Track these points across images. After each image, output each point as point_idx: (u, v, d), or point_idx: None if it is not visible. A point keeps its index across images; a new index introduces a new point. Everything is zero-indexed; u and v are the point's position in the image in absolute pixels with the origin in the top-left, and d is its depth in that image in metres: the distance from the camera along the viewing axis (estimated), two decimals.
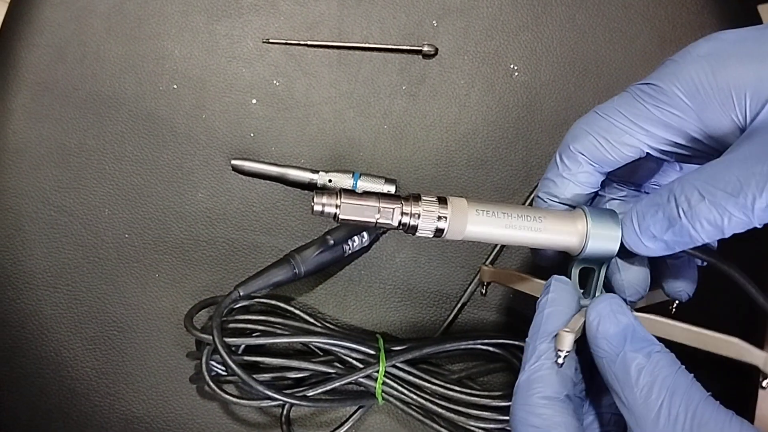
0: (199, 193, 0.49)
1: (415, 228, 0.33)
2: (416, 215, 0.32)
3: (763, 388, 0.32)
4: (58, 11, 0.50)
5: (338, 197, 0.32)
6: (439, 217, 0.33)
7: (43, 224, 0.49)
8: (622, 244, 0.34)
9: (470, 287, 0.49)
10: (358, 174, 0.48)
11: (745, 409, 0.52)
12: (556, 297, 0.35)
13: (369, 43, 0.50)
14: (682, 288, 0.38)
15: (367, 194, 0.32)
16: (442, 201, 0.33)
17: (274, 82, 0.50)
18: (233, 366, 0.42)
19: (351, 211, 0.32)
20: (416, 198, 0.33)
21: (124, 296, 0.49)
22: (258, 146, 0.50)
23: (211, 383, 0.43)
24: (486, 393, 0.44)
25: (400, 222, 0.32)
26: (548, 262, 0.40)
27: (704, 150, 0.33)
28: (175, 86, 0.50)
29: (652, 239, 0.32)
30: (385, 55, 0.50)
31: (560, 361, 0.33)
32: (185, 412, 0.48)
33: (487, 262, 0.49)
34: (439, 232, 0.33)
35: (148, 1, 0.50)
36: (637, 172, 0.39)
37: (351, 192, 0.32)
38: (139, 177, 0.49)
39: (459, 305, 0.49)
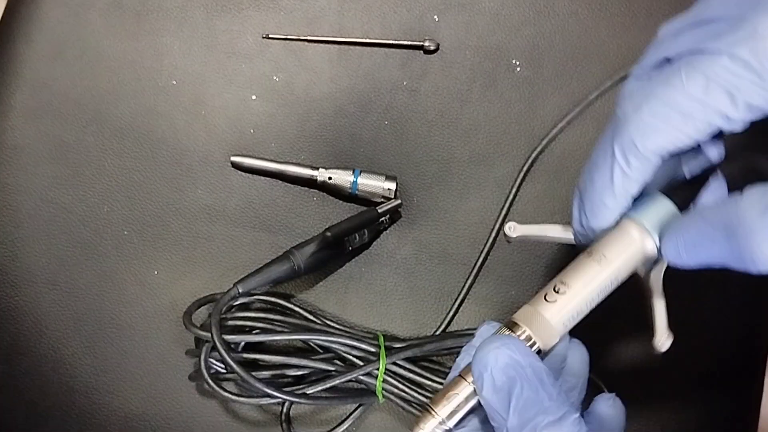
0: (199, 190, 0.49)
1: None
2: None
3: None
4: (56, 8, 0.50)
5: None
6: (528, 339, 0.31)
7: (42, 221, 0.49)
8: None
9: (468, 283, 0.48)
10: (359, 171, 0.48)
11: (747, 413, 0.51)
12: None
13: (370, 39, 0.50)
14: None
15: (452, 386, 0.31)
16: (511, 326, 0.32)
17: (274, 77, 0.50)
18: (232, 363, 0.42)
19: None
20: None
21: (123, 293, 0.48)
22: (258, 142, 0.49)
23: (210, 381, 0.43)
24: None
25: None
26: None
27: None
28: (174, 82, 0.50)
29: (696, 260, 0.30)
30: (386, 51, 0.50)
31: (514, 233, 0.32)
32: (184, 410, 0.48)
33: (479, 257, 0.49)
34: (538, 352, 0.31)
35: None
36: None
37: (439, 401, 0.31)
38: (138, 173, 0.49)
39: (459, 301, 0.48)
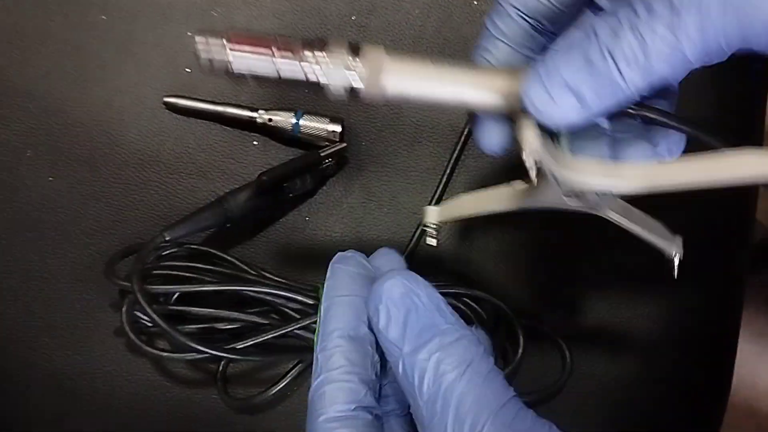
0: (130, 133, 0.45)
1: (320, 84, 0.27)
2: (321, 68, 0.27)
3: None
4: None
5: (227, 41, 0.27)
6: (350, 69, 0.27)
7: None
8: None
9: (417, 233, 0.45)
10: (301, 112, 0.44)
11: (721, 372, 0.48)
12: (337, 283, 0.31)
13: None
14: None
15: (262, 39, 0.27)
16: (355, 49, 0.27)
17: (212, 12, 0.46)
18: (153, 316, 0.38)
19: (245, 60, 0.27)
20: (322, 45, 0.27)
21: (48, 243, 0.45)
22: (194, 82, 0.46)
23: (132, 335, 0.40)
24: None
25: (305, 77, 0.27)
26: (495, 140, 0.31)
27: None
28: (103, 17, 0.46)
29: (564, 92, 0.25)
30: None
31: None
32: (113, 367, 0.45)
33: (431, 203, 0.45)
34: (350, 89, 0.27)
35: None
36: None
37: (242, 35, 0.27)
38: (64, 115, 0.45)
39: (407, 253, 0.45)
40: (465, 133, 0.45)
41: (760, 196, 0.48)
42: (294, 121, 0.44)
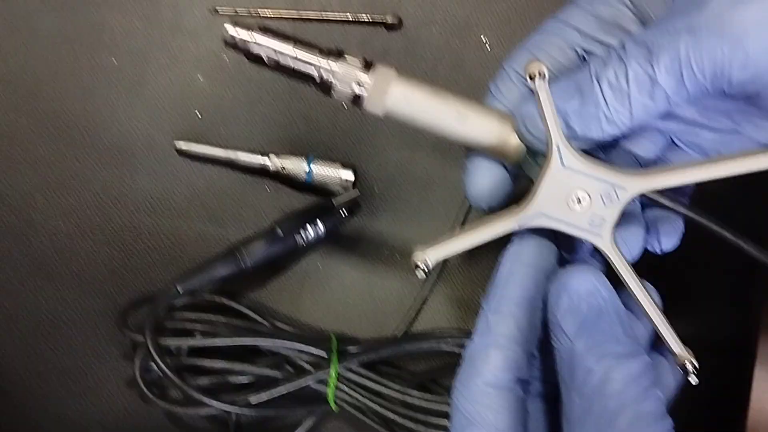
0: (141, 178, 0.45)
1: (329, 87, 0.29)
2: (334, 71, 0.29)
3: None
4: None
5: (254, 31, 0.29)
6: (359, 80, 0.29)
7: None
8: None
9: (431, 281, 0.45)
10: (312, 157, 0.44)
11: (740, 395, 0.47)
12: (524, 250, 0.30)
13: (327, 14, 0.46)
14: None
15: (286, 37, 0.30)
16: (369, 64, 0.30)
17: (223, 56, 0.46)
18: (165, 370, 0.38)
19: (266, 43, 0.29)
20: (339, 54, 0.30)
21: (59, 290, 0.45)
22: (205, 127, 0.45)
23: (144, 388, 0.40)
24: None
25: (318, 74, 0.29)
26: (485, 186, 0.32)
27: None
28: (114, 60, 0.45)
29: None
30: (344, 27, 0.46)
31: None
32: (125, 417, 0.45)
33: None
34: (357, 99, 0.30)
35: None
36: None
37: (270, 30, 0.30)
38: (75, 160, 0.45)
39: (421, 301, 0.45)
40: None
41: None
42: (306, 168, 0.44)
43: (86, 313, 0.45)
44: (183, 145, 0.45)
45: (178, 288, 0.41)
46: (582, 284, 0.27)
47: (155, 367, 0.40)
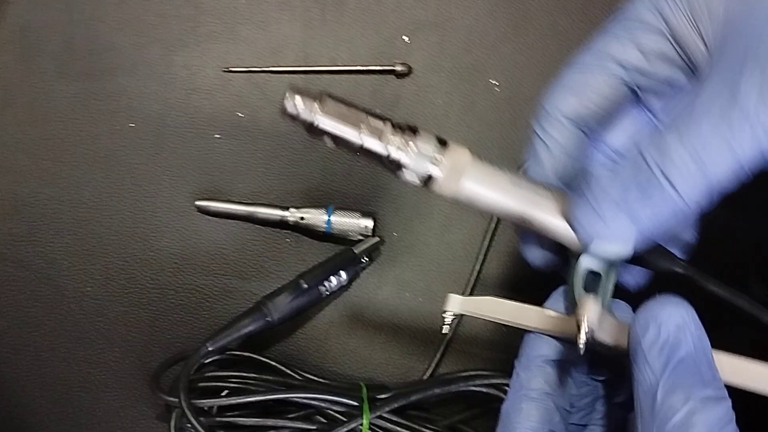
0: (164, 238, 0.46)
1: (399, 165, 0.27)
2: (406, 150, 0.27)
3: None
4: (3, 54, 0.47)
5: (319, 99, 0.26)
6: (434, 160, 0.27)
7: None
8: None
9: (455, 322, 0.45)
10: (333, 208, 0.45)
11: None
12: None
13: (337, 66, 0.47)
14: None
15: (353, 112, 0.27)
16: (442, 143, 0.28)
17: (238, 113, 0.47)
18: (202, 431, 0.39)
19: (334, 113, 0.26)
20: (412, 130, 0.27)
21: (90, 353, 0.45)
22: (224, 184, 0.46)
23: None
24: None
25: (387, 152, 0.27)
26: (540, 261, 0.33)
27: (680, 76, 0.30)
28: (132, 124, 0.46)
29: (616, 213, 0.27)
30: (355, 77, 0.47)
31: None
32: None
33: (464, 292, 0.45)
34: (427, 178, 0.28)
35: (99, 35, 0.47)
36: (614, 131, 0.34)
37: (335, 103, 0.27)
38: (98, 224, 0.46)
39: (446, 343, 0.45)
40: (495, 219, 0.46)
41: None
42: (326, 218, 0.45)
43: (118, 374, 0.45)
44: (203, 203, 0.46)
45: (209, 347, 0.41)
46: (672, 318, 0.26)
47: (191, 429, 0.41)
